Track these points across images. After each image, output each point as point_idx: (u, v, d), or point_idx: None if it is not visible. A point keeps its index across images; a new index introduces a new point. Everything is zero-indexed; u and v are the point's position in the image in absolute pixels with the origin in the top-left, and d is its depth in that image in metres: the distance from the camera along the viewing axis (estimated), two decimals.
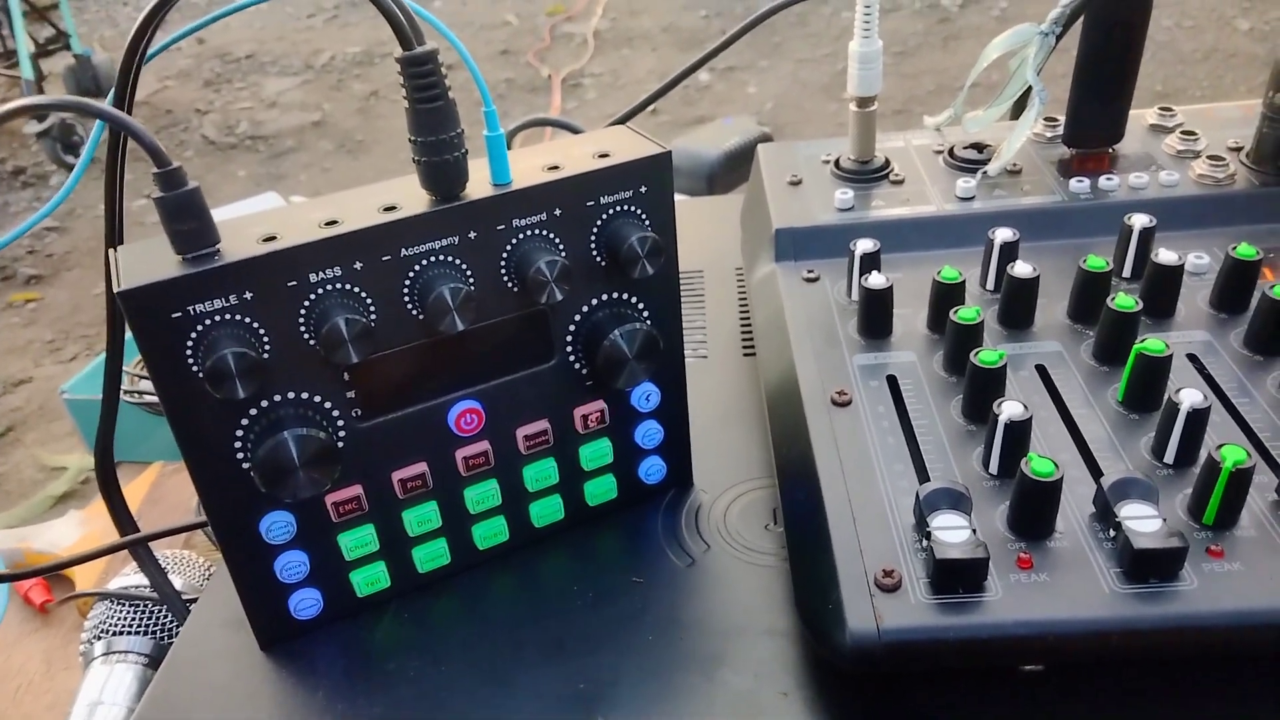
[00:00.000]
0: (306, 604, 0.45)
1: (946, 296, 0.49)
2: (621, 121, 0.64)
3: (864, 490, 0.42)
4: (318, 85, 3.57)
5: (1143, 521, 0.37)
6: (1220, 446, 0.38)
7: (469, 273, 0.42)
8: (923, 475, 0.43)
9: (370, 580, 0.46)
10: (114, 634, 0.63)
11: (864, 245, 0.53)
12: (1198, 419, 0.40)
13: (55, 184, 2.99)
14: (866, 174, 0.62)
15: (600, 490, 0.50)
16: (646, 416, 0.50)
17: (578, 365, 0.47)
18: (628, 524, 0.51)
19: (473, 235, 0.41)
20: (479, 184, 0.42)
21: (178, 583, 0.64)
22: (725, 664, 0.43)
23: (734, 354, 0.64)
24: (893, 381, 0.48)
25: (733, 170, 1.92)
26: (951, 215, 0.57)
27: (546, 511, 0.49)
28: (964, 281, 0.50)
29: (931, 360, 0.49)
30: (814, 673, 0.42)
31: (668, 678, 0.42)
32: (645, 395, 0.49)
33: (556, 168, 0.43)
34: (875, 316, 0.50)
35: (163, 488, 1.21)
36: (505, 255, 0.42)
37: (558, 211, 0.43)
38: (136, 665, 0.62)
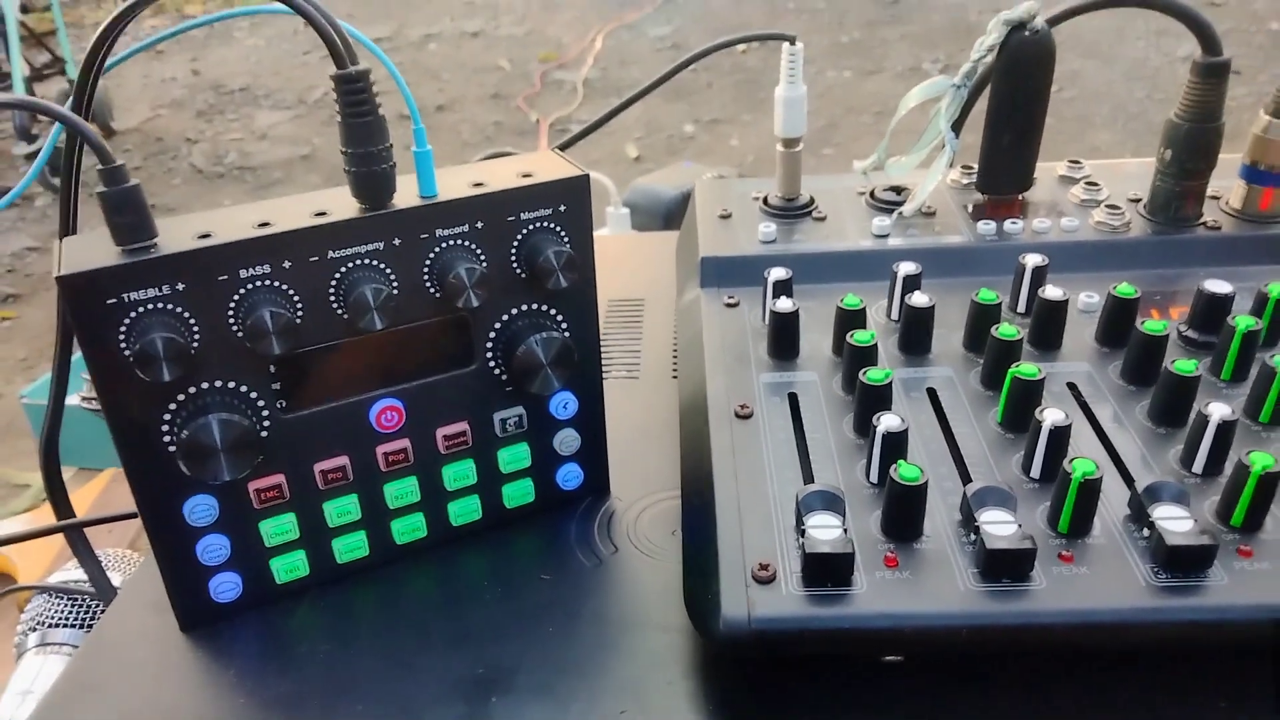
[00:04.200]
0: (226, 587, 0.47)
1: (848, 322, 0.53)
2: (565, 147, 0.68)
3: (753, 493, 0.45)
4: (309, 120, 3.63)
5: (1000, 526, 0.40)
6: (1073, 459, 0.41)
7: (392, 276, 0.45)
8: (809, 481, 0.46)
9: (289, 568, 0.49)
10: (49, 626, 0.65)
11: (777, 273, 0.56)
12: (1059, 435, 0.44)
13: (40, 205, 3.02)
14: (792, 210, 0.65)
15: (518, 493, 0.53)
16: (564, 424, 0.53)
17: (497, 371, 0.50)
18: (543, 526, 0.54)
19: (397, 242, 0.45)
20: (407, 195, 0.45)
21: (117, 580, 0.66)
22: (618, 654, 0.45)
23: (664, 376, 0.67)
24: (793, 398, 0.51)
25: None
26: (865, 250, 0.61)
27: (464, 511, 0.52)
28: (865, 309, 0.53)
29: (832, 381, 0.52)
30: (700, 664, 0.44)
31: (562, 665, 0.45)
32: (563, 403, 0.52)
33: (481, 184, 0.46)
34: (782, 338, 0.54)
35: (113, 493, 1.22)
36: (428, 262, 0.46)
37: (480, 224, 0.46)
38: (71, 657, 0.64)
